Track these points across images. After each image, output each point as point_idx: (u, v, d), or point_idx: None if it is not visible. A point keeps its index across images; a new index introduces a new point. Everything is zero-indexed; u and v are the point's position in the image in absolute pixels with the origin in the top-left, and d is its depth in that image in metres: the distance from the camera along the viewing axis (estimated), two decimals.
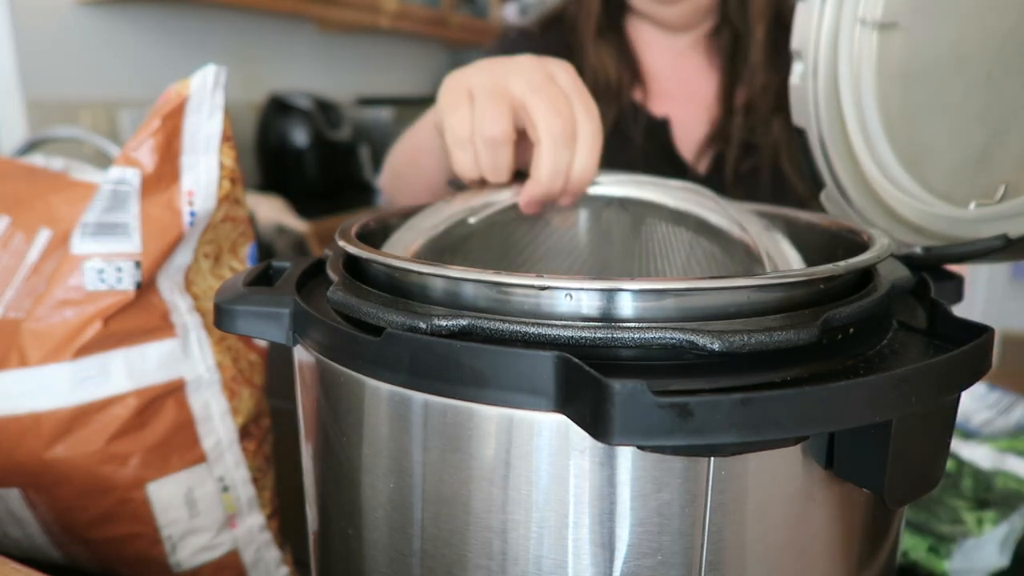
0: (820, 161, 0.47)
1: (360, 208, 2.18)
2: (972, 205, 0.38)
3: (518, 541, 0.26)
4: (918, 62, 0.43)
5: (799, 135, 0.48)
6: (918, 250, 0.39)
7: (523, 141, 0.42)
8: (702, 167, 0.79)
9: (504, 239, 0.45)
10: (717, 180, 0.77)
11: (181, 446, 0.45)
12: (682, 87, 0.82)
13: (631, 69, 0.82)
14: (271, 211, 1.83)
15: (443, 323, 0.26)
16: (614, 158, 0.80)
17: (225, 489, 0.46)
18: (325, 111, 2.28)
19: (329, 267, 0.34)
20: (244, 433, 0.47)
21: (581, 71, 0.46)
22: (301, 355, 0.32)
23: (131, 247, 0.42)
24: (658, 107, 0.81)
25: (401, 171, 0.78)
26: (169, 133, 0.43)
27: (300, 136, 2.23)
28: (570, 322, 0.26)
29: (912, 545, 0.49)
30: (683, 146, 0.79)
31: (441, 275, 0.28)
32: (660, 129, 0.79)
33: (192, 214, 0.44)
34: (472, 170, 0.43)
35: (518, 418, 0.25)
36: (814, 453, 0.26)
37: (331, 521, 0.32)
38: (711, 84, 0.81)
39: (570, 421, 0.24)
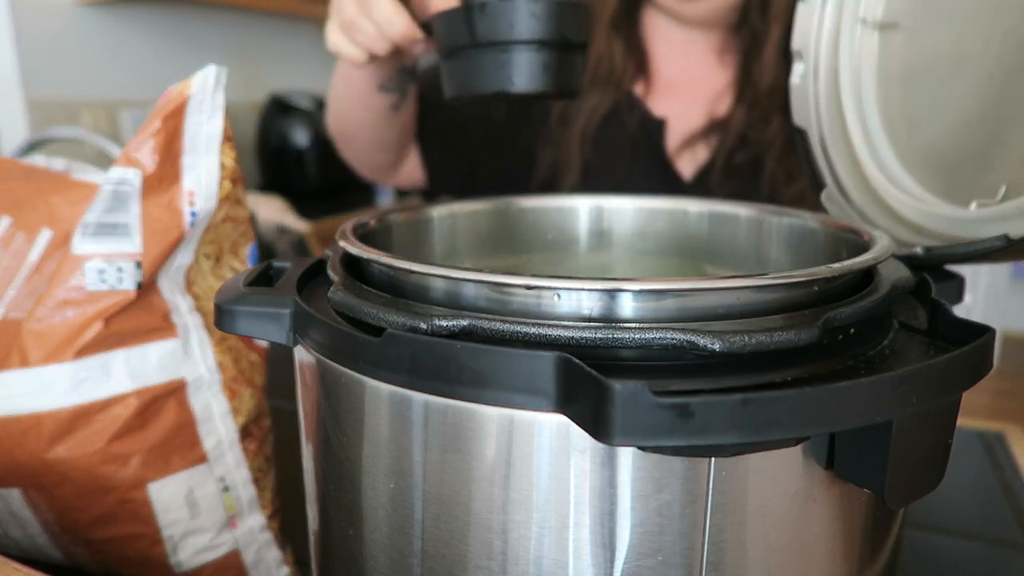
0: (821, 161, 0.47)
1: (360, 208, 2.18)
2: (973, 205, 0.38)
3: (519, 541, 0.26)
4: (919, 62, 0.43)
5: (800, 135, 0.48)
6: (919, 250, 0.39)
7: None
8: (687, 168, 0.79)
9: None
10: (702, 188, 0.77)
11: (182, 446, 0.45)
12: (688, 79, 0.82)
13: (637, 62, 0.82)
14: (272, 211, 1.84)
15: (443, 323, 0.26)
16: (605, 144, 0.81)
17: (226, 489, 0.46)
18: (325, 111, 2.27)
19: (329, 267, 0.34)
20: (245, 433, 0.47)
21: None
22: (301, 355, 0.32)
23: (132, 247, 0.42)
24: (659, 101, 0.82)
25: (346, 133, 0.83)
26: (170, 133, 0.43)
27: (300, 136, 2.23)
28: (570, 322, 0.26)
29: None
30: (674, 143, 0.80)
31: (441, 275, 0.28)
32: (656, 129, 0.80)
33: (193, 214, 0.44)
34: (356, 46, 0.58)
35: (519, 418, 0.25)
36: (815, 453, 0.26)
37: (332, 521, 0.32)
38: (718, 80, 0.82)
39: (571, 421, 0.24)
